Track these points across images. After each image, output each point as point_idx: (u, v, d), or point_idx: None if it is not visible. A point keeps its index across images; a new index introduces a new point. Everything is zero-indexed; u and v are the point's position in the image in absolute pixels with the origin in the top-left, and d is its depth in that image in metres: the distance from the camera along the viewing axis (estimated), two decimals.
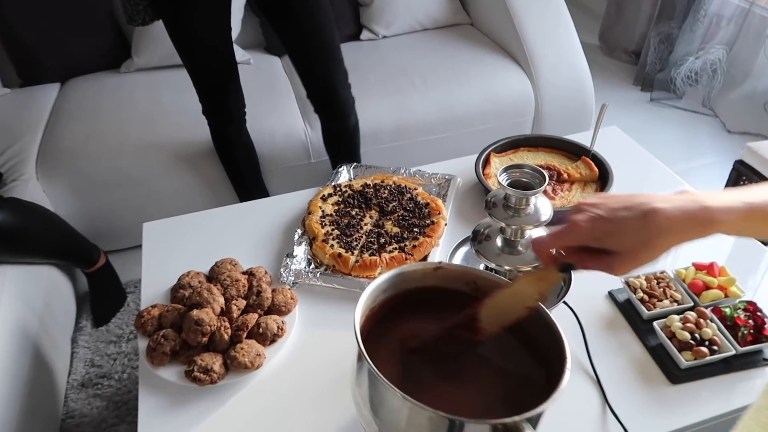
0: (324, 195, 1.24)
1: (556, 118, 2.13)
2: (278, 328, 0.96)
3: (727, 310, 0.92)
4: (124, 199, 1.87)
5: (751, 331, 0.89)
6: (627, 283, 0.99)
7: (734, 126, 2.61)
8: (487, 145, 1.36)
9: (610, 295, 1.02)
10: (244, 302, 0.99)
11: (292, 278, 1.07)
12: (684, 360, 0.86)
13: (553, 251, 0.59)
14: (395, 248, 1.10)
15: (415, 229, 1.14)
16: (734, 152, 2.52)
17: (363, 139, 1.84)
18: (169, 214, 1.28)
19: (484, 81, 2.05)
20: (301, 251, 1.12)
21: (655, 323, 0.92)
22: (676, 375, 0.88)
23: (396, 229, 1.16)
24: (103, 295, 1.74)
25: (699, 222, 0.50)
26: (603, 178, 1.26)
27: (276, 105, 1.96)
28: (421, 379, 0.63)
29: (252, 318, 0.96)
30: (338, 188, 1.27)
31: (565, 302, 0.94)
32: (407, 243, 1.11)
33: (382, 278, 0.66)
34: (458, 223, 1.20)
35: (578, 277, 0.95)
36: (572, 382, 0.87)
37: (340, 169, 1.35)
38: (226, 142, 1.73)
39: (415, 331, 0.68)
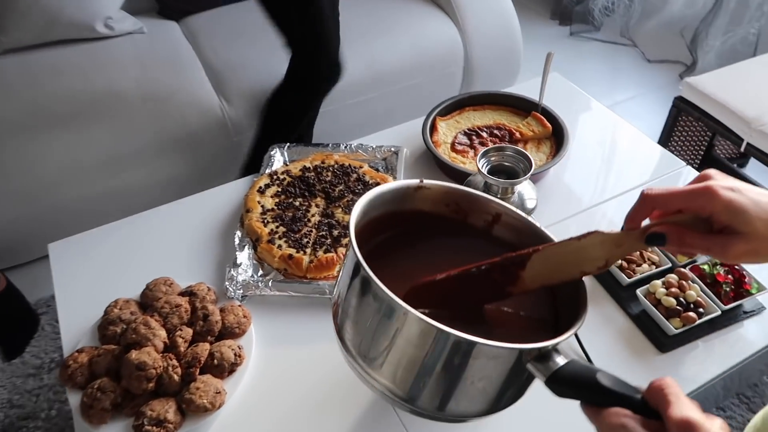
0: (260, 187, 1.11)
1: (486, 64, 2.06)
2: (235, 355, 0.84)
3: (706, 268, 0.90)
4: (20, 208, 1.62)
5: (732, 287, 0.87)
6: None
7: (653, 55, 2.65)
8: (431, 110, 1.27)
9: None
10: (190, 331, 0.86)
11: (240, 291, 0.94)
12: (673, 328, 0.84)
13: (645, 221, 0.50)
14: None
15: None
16: (656, 82, 2.57)
17: None
18: (76, 224, 1.10)
19: (410, 31, 1.93)
20: (244, 257, 1.00)
21: (638, 291, 0.88)
22: (664, 343, 0.85)
23: (348, 217, 1.05)
24: (10, 323, 1.53)
25: None
26: (556, 134, 1.20)
27: (182, 80, 1.74)
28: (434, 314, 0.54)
29: (203, 349, 0.84)
30: (275, 176, 1.13)
31: None
32: None
33: (364, 200, 0.57)
34: None
35: None
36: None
37: (272, 153, 1.21)
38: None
39: (425, 266, 0.59)
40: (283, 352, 0.88)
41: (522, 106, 1.28)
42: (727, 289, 0.87)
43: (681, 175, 1.16)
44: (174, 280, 0.95)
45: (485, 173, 0.67)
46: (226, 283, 0.95)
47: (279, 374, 0.86)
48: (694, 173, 1.16)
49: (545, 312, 0.59)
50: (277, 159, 1.21)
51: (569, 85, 1.43)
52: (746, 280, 0.88)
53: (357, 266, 0.50)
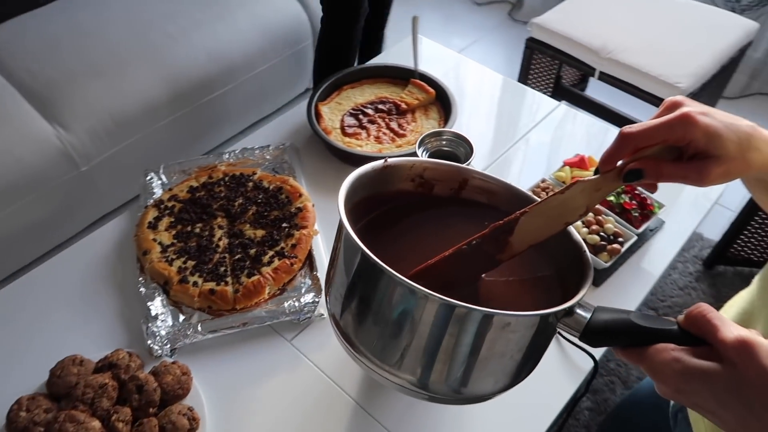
0: (150, 222, 0.98)
1: None
2: (189, 419, 0.75)
3: (613, 199, 0.97)
4: None
5: (639, 211, 0.95)
6: None
7: None
8: (310, 98, 1.20)
9: None
10: (128, 410, 0.75)
11: (168, 346, 0.84)
12: (603, 262, 0.90)
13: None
14: (273, 256, 0.93)
15: (283, 224, 0.98)
16: (489, 24, 2.70)
17: (132, 122, 1.51)
18: None
19: (251, 14, 1.80)
20: (158, 306, 0.88)
21: None
22: (597, 277, 0.91)
23: (260, 232, 0.97)
24: None
25: None
26: (440, 98, 1.21)
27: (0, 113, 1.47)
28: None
29: (151, 426, 0.74)
30: (162, 205, 1.01)
31: None
32: (283, 244, 0.95)
33: (346, 185, 0.56)
34: (322, 196, 1.05)
35: None
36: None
37: (148, 180, 1.07)
38: None
39: (413, 248, 0.59)
40: (239, 397, 0.81)
41: (398, 75, 1.26)
42: (636, 214, 0.95)
43: (563, 114, 1.23)
44: (82, 355, 0.81)
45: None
46: (148, 341, 0.83)
47: (242, 421, 0.78)
48: (569, 110, 1.24)
49: (544, 268, 0.59)
50: (155, 185, 1.08)
51: (433, 45, 1.44)
52: (648, 202, 0.96)
53: (365, 263, 0.48)
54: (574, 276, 0.55)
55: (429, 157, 0.66)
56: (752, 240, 1.59)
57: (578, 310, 0.46)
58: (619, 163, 0.50)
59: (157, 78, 1.61)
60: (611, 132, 1.19)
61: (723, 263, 1.66)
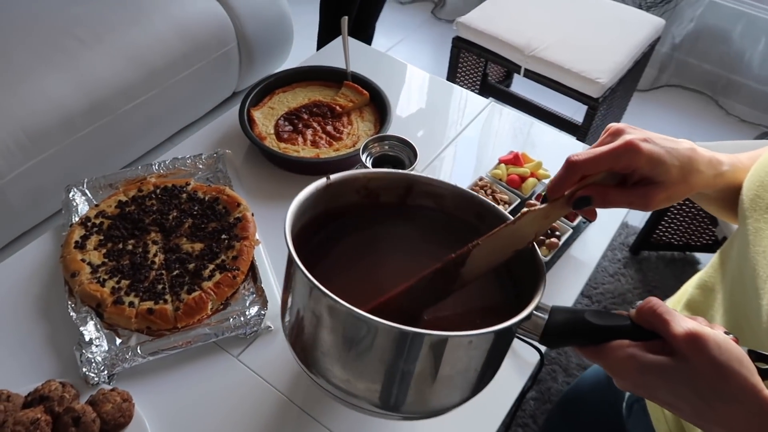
0: (77, 241, 0.93)
1: (259, 34, 1.96)
2: None
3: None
4: None
5: None
6: None
7: None
8: (241, 103, 1.17)
9: None
10: None
11: (106, 373, 0.80)
12: (543, 256, 0.93)
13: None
14: (213, 269, 0.90)
15: (222, 236, 0.95)
16: (414, 22, 2.74)
17: (46, 135, 1.42)
18: None
19: (168, 14, 1.74)
20: (91, 330, 0.84)
21: None
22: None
23: (197, 245, 0.94)
24: None
25: (718, 172, 0.53)
26: (374, 99, 1.21)
27: None
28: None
29: None
30: (89, 223, 0.96)
31: None
32: (223, 256, 0.92)
33: (291, 213, 0.54)
34: (261, 204, 1.03)
35: None
36: None
37: (71, 196, 1.01)
38: None
39: (367, 269, 0.60)
40: (186, 421, 0.78)
41: (331, 77, 1.25)
42: None
43: (489, 111, 1.26)
44: (9, 390, 0.76)
45: (370, 167, 0.64)
46: (83, 368, 0.79)
47: None
48: (500, 108, 1.28)
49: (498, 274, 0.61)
50: (79, 201, 1.02)
51: (363, 46, 1.44)
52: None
53: (321, 299, 0.48)
54: (524, 272, 0.57)
55: (373, 162, 0.66)
56: (672, 226, 1.70)
57: (536, 313, 0.48)
58: (567, 192, 0.52)
59: (71, 86, 1.51)
60: (536, 126, 1.24)
61: (647, 249, 1.77)
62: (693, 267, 1.77)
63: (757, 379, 0.40)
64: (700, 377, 0.39)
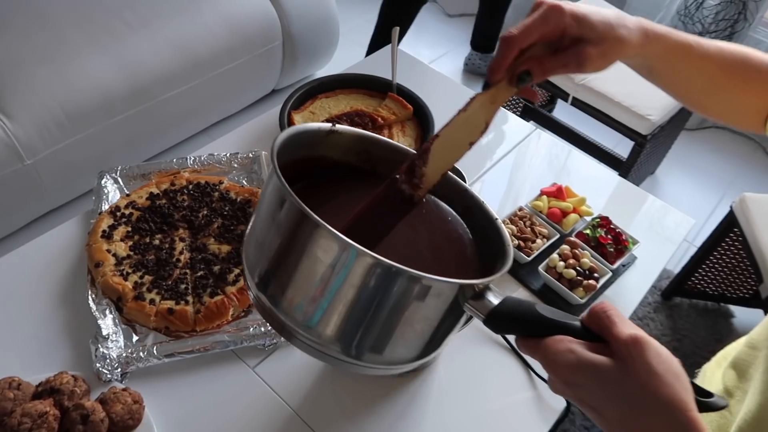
0: (104, 230, 0.91)
1: (305, 35, 1.96)
2: None
3: (589, 232, 0.97)
4: None
5: (614, 246, 0.96)
6: None
7: (453, 9, 2.78)
8: (283, 104, 1.16)
9: None
10: None
11: (119, 370, 0.78)
12: (579, 298, 0.89)
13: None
14: (238, 274, 0.88)
15: None
16: (460, 37, 2.71)
17: (85, 115, 1.42)
18: None
19: (217, 6, 1.74)
20: (109, 324, 0.82)
21: (540, 269, 0.92)
22: (572, 313, 0.91)
23: (225, 247, 0.92)
24: None
25: (646, 31, 0.55)
26: (417, 114, 1.19)
27: None
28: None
29: None
30: (118, 213, 0.95)
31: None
32: None
33: (283, 135, 0.53)
34: None
35: None
36: (487, 355, 0.85)
37: (103, 183, 1.00)
38: None
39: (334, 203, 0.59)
40: (195, 429, 0.76)
41: (375, 87, 1.23)
42: (611, 249, 0.95)
43: (534, 137, 1.23)
44: (20, 378, 0.75)
45: None
46: (97, 364, 0.77)
47: None
48: (544, 135, 1.24)
49: (470, 258, 0.59)
50: (110, 189, 1.01)
51: (410, 58, 1.42)
52: (623, 237, 0.97)
53: (294, 213, 0.46)
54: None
55: None
56: (709, 274, 1.64)
57: (489, 296, 0.46)
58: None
59: (114, 69, 1.52)
60: (581, 160, 1.20)
61: (680, 295, 1.71)
62: (727, 320, 1.70)
63: (689, 397, 0.39)
64: (634, 382, 0.38)
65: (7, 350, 0.80)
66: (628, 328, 0.40)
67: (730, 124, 0.68)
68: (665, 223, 1.10)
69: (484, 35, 2.40)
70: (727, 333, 1.68)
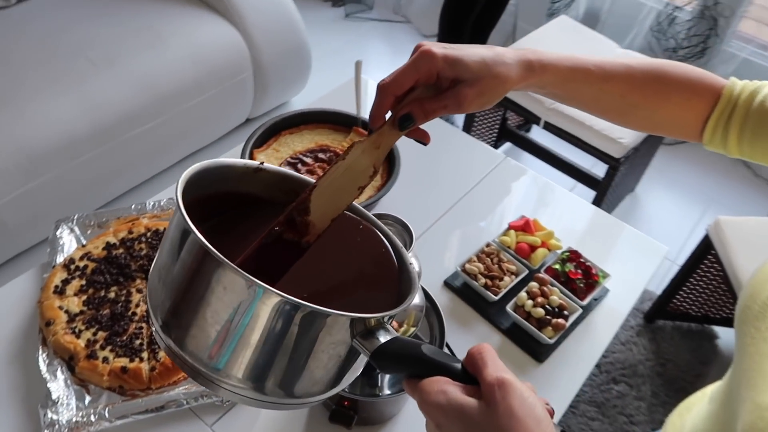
0: (57, 286, 0.89)
1: (276, 63, 1.95)
2: None
3: (558, 267, 0.96)
4: None
5: (584, 281, 0.95)
6: (464, 271, 0.96)
7: (429, 30, 2.80)
8: (245, 143, 1.14)
9: (446, 284, 0.98)
10: None
11: None
12: (548, 338, 0.88)
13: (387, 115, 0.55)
14: None
15: None
16: None
17: (47, 157, 1.40)
18: None
19: (185, 40, 1.73)
20: (60, 386, 0.80)
21: (508, 308, 0.91)
22: (541, 352, 0.90)
23: None
24: None
25: (529, 64, 0.56)
26: None
27: None
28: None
29: None
30: (72, 266, 0.92)
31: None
32: None
33: (194, 169, 0.50)
34: None
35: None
36: None
37: (59, 234, 0.98)
38: None
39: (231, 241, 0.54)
40: None
41: (340, 121, 1.22)
42: (581, 284, 0.94)
43: (506, 167, 1.22)
44: None
45: None
46: (45, 431, 0.75)
47: None
48: (514, 164, 1.23)
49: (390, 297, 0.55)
50: (66, 239, 0.99)
51: (372, 85, 1.41)
52: (593, 271, 0.96)
53: (196, 250, 0.43)
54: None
55: None
56: (691, 295, 1.63)
57: (380, 334, 0.45)
58: (388, 116, 0.54)
59: (77, 109, 1.50)
60: (552, 188, 1.19)
61: (663, 317, 1.70)
62: (711, 342, 1.69)
63: None
64: (495, 425, 0.38)
65: None
66: (496, 371, 0.40)
67: (670, 137, 0.69)
68: (638, 252, 1.09)
69: None
70: (711, 355, 1.67)
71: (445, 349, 0.77)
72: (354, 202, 0.56)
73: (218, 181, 0.53)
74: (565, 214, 1.14)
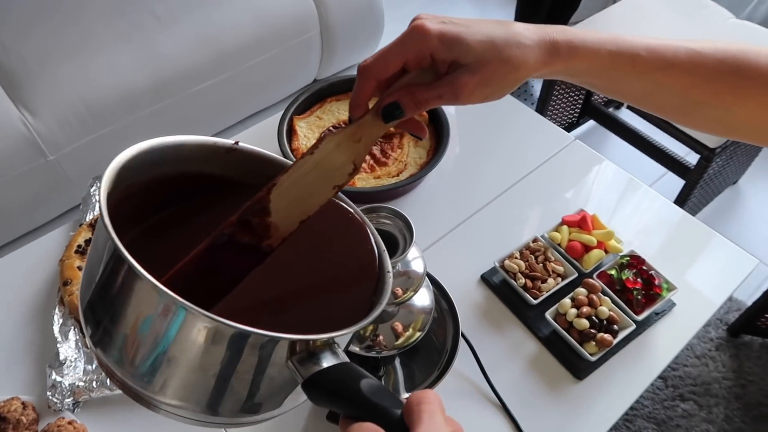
0: (80, 245, 0.89)
1: (346, 23, 1.87)
2: None
3: (614, 273, 0.84)
4: None
5: (643, 292, 0.82)
6: (503, 267, 0.86)
7: None
8: (285, 109, 1.09)
9: (483, 279, 0.89)
10: None
11: (71, 400, 0.75)
12: (589, 354, 0.77)
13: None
14: None
15: None
16: None
17: (108, 111, 1.42)
18: None
19: None
20: (70, 348, 0.79)
21: (547, 315, 0.81)
22: (580, 369, 0.79)
23: None
24: None
25: (554, 45, 0.45)
26: (434, 120, 1.08)
27: None
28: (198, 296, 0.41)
29: None
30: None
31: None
32: None
33: (150, 143, 0.45)
34: None
35: (439, 266, 0.79)
36: (474, 410, 0.76)
37: (92, 191, 0.98)
38: None
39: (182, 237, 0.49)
40: None
41: None
42: (639, 296, 0.82)
43: (575, 151, 1.09)
44: None
45: None
46: (48, 392, 0.75)
47: None
48: (585, 149, 1.10)
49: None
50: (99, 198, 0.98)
51: None
52: (656, 282, 0.83)
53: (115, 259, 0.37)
54: None
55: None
56: None
57: (323, 358, 0.37)
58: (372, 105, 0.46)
59: (139, 64, 1.51)
60: (632, 185, 1.04)
61: (750, 332, 1.50)
62: None
63: None
64: None
65: None
66: (431, 429, 0.34)
67: (752, 143, 0.54)
68: (721, 262, 0.94)
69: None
70: None
71: (457, 359, 0.68)
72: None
73: (176, 162, 0.47)
74: (637, 213, 1.00)
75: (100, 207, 0.38)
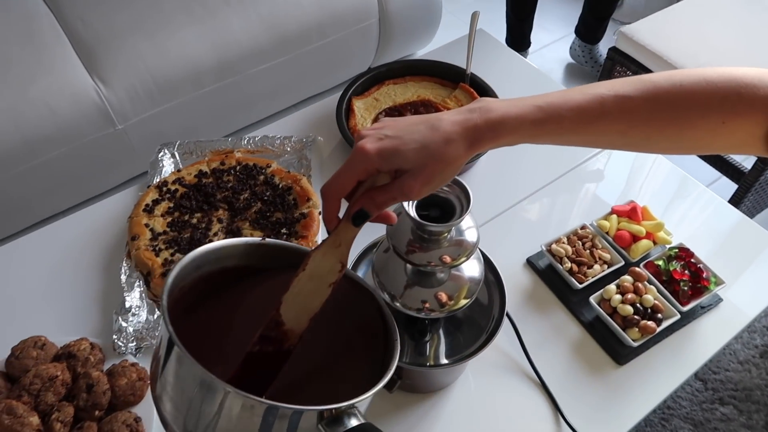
0: (147, 204, 0.94)
1: (404, 15, 1.89)
2: (132, 431, 0.71)
3: (661, 264, 0.84)
4: None
5: (690, 284, 0.82)
6: (549, 251, 0.87)
7: None
8: (345, 88, 1.12)
9: (529, 263, 0.90)
10: (71, 410, 0.72)
11: (133, 344, 0.80)
12: (631, 340, 0.78)
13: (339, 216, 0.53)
14: None
15: (282, 230, 0.91)
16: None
17: (173, 86, 1.48)
18: None
19: None
20: (135, 298, 0.85)
21: (591, 299, 0.82)
22: (622, 354, 0.80)
23: (257, 233, 0.92)
24: None
25: (475, 133, 0.49)
26: None
27: (44, 60, 1.48)
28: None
29: (90, 431, 0.70)
30: (165, 188, 0.97)
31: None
32: None
33: (195, 253, 0.53)
34: None
35: (486, 247, 0.81)
36: (512, 386, 0.77)
37: (160, 155, 1.04)
38: None
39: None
40: None
41: (448, 76, 1.16)
42: (685, 288, 0.82)
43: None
44: (47, 338, 0.79)
45: (413, 215, 0.55)
46: (114, 336, 0.80)
47: None
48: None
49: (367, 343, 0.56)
50: (167, 162, 1.04)
51: (496, 43, 1.31)
52: (704, 275, 0.83)
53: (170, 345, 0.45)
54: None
55: (418, 205, 0.56)
56: None
57: (349, 421, 0.44)
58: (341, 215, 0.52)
59: (205, 42, 1.57)
60: (686, 182, 1.03)
61: None
62: None
63: None
64: None
65: (43, 311, 0.86)
66: None
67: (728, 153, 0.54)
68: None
69: (585, 23, 2.17)
70: None
71: (500, 337, 0.69)
72: None
73: (216, 261, 0.54)
74: (692, 211, 0.99)
75: (165, 314, 0.45)
